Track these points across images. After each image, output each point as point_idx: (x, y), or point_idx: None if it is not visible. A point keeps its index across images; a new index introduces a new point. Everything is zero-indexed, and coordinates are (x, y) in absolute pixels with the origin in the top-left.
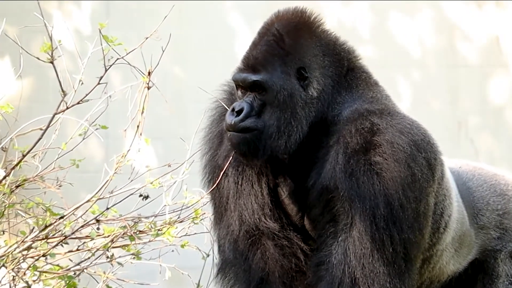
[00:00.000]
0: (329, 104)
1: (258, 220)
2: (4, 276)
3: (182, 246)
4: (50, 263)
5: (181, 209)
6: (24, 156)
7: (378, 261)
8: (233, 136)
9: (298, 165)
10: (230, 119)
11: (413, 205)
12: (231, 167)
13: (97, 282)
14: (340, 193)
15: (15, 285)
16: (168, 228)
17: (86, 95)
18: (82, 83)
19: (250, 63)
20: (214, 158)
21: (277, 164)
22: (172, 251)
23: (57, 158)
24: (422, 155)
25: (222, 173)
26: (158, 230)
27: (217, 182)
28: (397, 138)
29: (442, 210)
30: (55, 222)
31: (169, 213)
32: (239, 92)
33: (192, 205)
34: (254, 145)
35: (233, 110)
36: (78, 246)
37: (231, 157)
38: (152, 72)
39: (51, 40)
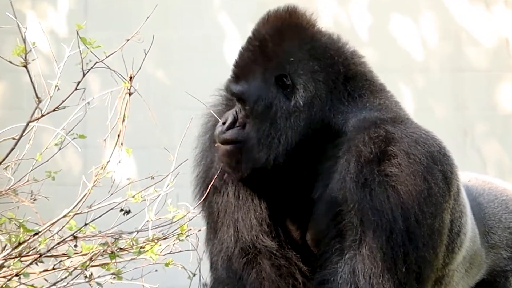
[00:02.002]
0: (329, 112)
1: (255, 237)
2: None
3: (166, 264)
4: (24, 283)
5: (166, 225)
6: None
7: (389, 282)
8: (219, 147)
9: (300, 177)
10: (217, 130)
11: (429, 221)
12: (230, 179)
13: None
14: (349, 206)
15: None
16: (151, 246)
17: (63, 101)
18: (58, 89)
19: (235, 72)
20: (209, 170)
21: (270, 177)
22: (156, 270)
23: (31, 170)
24: (438, 167)
25: (216, 185)
26: (141, 247)
27: (212, 195)
28: (413, 149)
29: (459, 228)
30: (29, 239)
31: (152, 229)
32: (233, 102)
33: (177, 220)
34: (236, 157)
35: (222, 121)
36: (54, 265)
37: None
38: (134, 76)
39: (24, 42)
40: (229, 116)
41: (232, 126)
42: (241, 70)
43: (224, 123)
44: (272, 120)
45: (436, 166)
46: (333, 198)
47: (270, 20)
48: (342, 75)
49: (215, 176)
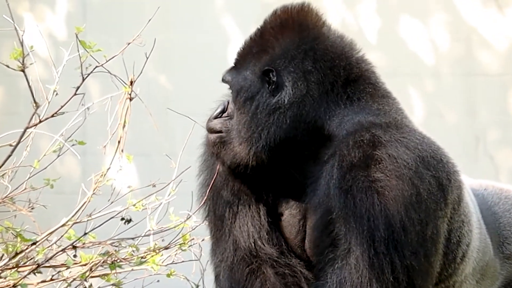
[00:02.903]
0: (324, 114)
1: (253, 244)
2: None
3: (168, 275)
4: None
5: (168, 234)
6: None
7: None
8: (208, 136)
9: (293, 181)
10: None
11: (418, 228)
12: (227, 187)
13: None
14: (335, 213)
15: None
16: (152, 256)
17: (62, 107)
18: (56, 94)
19: (234, 61)
20: (212, 178)
21: (262, 178)
22: (158, 281)
23: (29, 178)
24: (430, 173)
25: (218, 194)
26: (142, 257)
27: (214, 203)
28: (402, 153)
29: (459, 238)
30: (27, 248)
31: (153, 239)
32: None
33: (179, 229)
34: (218, 147)
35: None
36: (52, 276)
37: (226, 177)
38: (135, 81)
39: (22, 45)
40: (221, 105)
41: (219, 115)
42: (238, 59)
43: (215, 112)
44: (253, 113)
45: (427, 172)
46: (323, 206)
47: (278, 14)
48: (342, 78)
49: (219, 186)
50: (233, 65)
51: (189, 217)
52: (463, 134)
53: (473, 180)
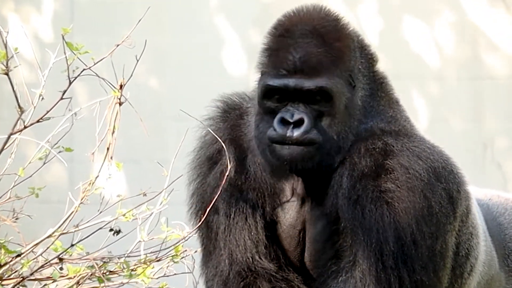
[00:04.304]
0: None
1: (251, 259)
2: None
3: None
4: None
5: (159, 246)
6: None
7: None
8: (294, 150)
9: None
10: (284, 130)
11: (428, 242)
12: (222, 198)
13: None
14: (342, 224)
15: None
16: (143, 268)
17: (48, 112)
18: (42, 98)
19: (299, 67)
20: (203, 187)
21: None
22: None
23: (14, 186)
24: (442, 185)
25: (211, 204)
26: (132, 270)
27: (205, 214)
28: (413, 163)
29: (467, 251)
30: (11, 261)
31: (144, 251)
32: (271, 102)
33: (171, 241)
34: (313, 159)
35: (282, 121)
36: None
37: (221, 186)
38: (124, 85)
39: (6, 47)
40: (301, 115)
41: (299, 125)
42: (311, 65)
43: (296, 123)
44: (347, 120)
45: (439, 184)
46: (328, 216)
47: (312, 16)
48: (379, 80)
49: (211, 195)
50: (300, 72)
51: (184, 231)
52: (470, 141)
53: (478, 189)
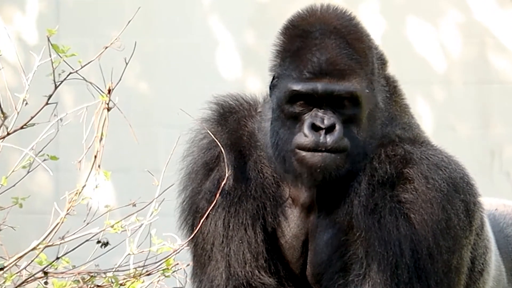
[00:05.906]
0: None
1: (250, 273)
2: None
3: None
4: None
5: (149, 259)
6: None
7: None
8: (327, 157)
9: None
10: (317, 137)
11: (445, 257)
12: (220, 207)
13: None
14: (355, 234)
15: None
16: (132, 282)
17: (32, 117)
18: (26, 103)
19: (326, 70)
20: (198, 195)
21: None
22: None
23: None
24: (460, 196)
25: (206, 213)
26: (121, 285)
27: (199, 224)
28: (433, 173)
29: (482, 267)
30: None
31: (134, 264)
32: (294, 107)
33: (163, 254)
34: (344, 167)
35: (312, 126)
36: None
37: (217, 195)
38: (113, 89)
39: None
40: (332, 120)
41: (331, 130)
42: (340, 69)
43: (328, 129)
44: (373, 125)
45: (458, 195)
46: (338, 225)
47: (332, 17)
48: (392, 84)
49: (206, 204)
50: (329, 75)
51: (173, 241)
52: (477, 148)
53: (483, 198)
